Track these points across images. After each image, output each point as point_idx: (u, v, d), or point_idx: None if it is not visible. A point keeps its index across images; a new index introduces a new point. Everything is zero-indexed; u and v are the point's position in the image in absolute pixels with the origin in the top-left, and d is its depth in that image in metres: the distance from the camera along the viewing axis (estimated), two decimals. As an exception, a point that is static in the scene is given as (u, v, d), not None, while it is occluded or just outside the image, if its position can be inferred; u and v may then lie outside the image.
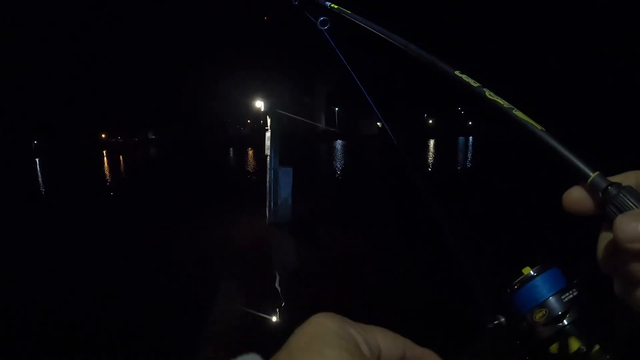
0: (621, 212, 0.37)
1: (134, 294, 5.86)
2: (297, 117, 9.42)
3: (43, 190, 20.53)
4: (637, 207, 0.37)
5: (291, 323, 3.73)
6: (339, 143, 48.31)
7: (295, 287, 6.12)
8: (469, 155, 29.12)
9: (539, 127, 0.47)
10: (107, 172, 27.58)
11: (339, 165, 24.98)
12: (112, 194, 17.61)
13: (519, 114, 0.49)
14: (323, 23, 1.30)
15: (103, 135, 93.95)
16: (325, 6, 1.26)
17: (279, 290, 5.98)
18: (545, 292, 0.46)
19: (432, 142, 40.46)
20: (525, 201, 7.40)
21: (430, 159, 27.11)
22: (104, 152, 58.27)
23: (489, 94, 0.55)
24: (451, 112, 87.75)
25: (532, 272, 0.47)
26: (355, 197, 13.31)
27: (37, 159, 48.67)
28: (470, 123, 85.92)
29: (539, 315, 0.45)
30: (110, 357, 4.37)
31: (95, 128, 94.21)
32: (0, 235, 9.94)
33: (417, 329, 4.55)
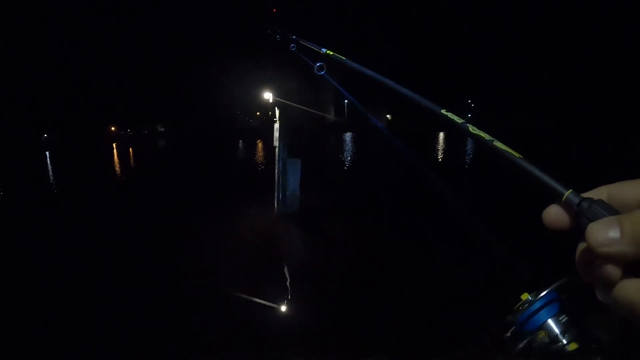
0: (593, 221, 0.40)
1: (143, 283, 5.93)
2: (306, 109, 9.38)
3: (53, 182, 20.72)
4: (607, 216, 0.40)
5: (298, 313, 3.77)
6: (348, 135, 48.11)
7: (303, 277, 6.14)
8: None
9: (517, 154, 0.51)
10: (117, 165, 27.75)
11: (347, 157, 24.92)
12: (122, 186, 17.73)
13: (498, 144, 0.54)
14: (319, 68, 1.40)
15: (113, 128, 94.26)
16: (321, 52, 1.35)
17: (287, 280, 6.01)
18: (543, 315, 0.48)
19: (441, 134, 40.10)
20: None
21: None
22: (114, 144, 58.60)
23: (471, 128, 0.61)
24: (460, 103, 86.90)
25: (530, 298, 0.50)
26: (363, 188, 13.29)
27: (47, 152, 49.05)
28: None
29: (539, 337, 0.48)
30: (122, 344, 4.43)
31: (105, 121, 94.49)
32: (8, 229, 10.10)
33: (423, 322, 4.56)
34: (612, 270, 0.38)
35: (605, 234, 0.37)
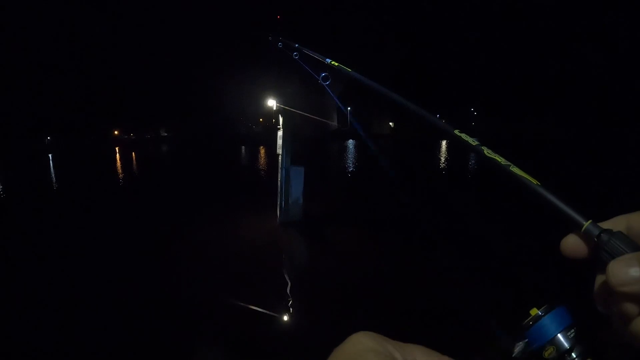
0: (613, 257, 0.41)
1: (142, 291, 5.86)
2: (310, 115, 9.33)
3: (55, 183, 20.77)
4: (626, 251, 0.40)
5: (301, 322, 3.68)
6: (350, 142, 48.12)
7: (306, 286, 6.09)
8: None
9: (535, 181, 0.51)
10: (119, 169, 27.76)
11: (350, 164, 24.89)
12: (124, 190, 17.72)
13: (515, 169, 0.53)
14: (324, 79, 1.42)
15: (116, 132, 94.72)
16: (325, 62, 1.34)
17: (289, 289, 5.94)
18: (552, 330, 0.49)
19: (443, 143, 40.05)
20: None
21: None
22: (117, 148, 58.78)
23: (487, 151, 0.58)
24: (462, 111, 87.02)
25: (539, 312, 0.50)
26: (366, 196, 13.23)
27: (50, 155, 49.28)
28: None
29: (548, 352, 0.48)
30: (121, 343, 4.42)
31: (108, 125, 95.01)
32: (10, 229, 10.07)
33: (426, 331, 4.48)
34: (631, 308, 0.39)
35: (625, 273, 0.38)
